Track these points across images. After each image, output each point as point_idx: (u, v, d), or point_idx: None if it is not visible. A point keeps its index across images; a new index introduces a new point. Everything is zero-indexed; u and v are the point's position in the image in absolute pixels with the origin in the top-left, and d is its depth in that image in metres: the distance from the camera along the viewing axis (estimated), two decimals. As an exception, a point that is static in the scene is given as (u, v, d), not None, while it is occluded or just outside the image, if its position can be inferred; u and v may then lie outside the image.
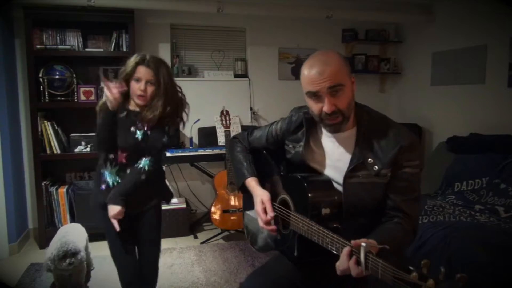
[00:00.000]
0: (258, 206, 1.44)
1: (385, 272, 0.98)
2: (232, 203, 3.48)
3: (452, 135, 3.58)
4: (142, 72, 1.80)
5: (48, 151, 3.39)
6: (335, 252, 1.16)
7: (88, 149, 3.45)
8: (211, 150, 3.72)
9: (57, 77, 3.41)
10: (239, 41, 4.27)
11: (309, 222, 1.26)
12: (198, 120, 3.98)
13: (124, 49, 3.55)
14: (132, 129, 1.86)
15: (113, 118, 1.78)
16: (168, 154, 3.54)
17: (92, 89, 3.47)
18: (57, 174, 3.65)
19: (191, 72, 4.07)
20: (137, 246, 2.01)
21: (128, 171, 1.87)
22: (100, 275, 2.84)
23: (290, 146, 1.51)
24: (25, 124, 3.54)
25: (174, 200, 3.75)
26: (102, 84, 3.63)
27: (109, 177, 1.88)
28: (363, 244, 1.03)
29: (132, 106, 1.90)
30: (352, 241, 1.08)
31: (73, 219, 3.41)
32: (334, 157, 1.40)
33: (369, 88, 4.54)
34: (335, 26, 4.35)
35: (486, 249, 2.20)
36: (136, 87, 1.80)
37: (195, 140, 4.01)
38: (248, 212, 1.73)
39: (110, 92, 1.70)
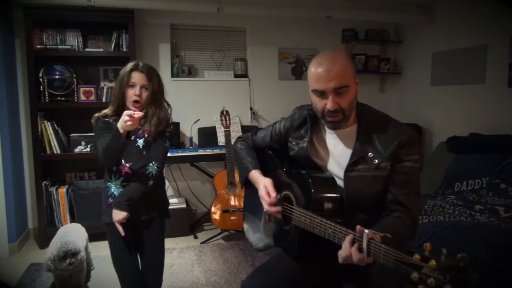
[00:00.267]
0: (262, 191, 1.47)
1: (387, 256, 1.01)
2: (232, 203, 3.48)
3: (452, 135, 3.58)
4: (137, 77, 1.84)
5: (48, 151, 3.39)
6: (337, 242, 1.18)
7: (88, 149, 3.45)
8: (211, 150, 3.72)
9: (57, 77, 3.41)
10: (239, 41, 4.27)
11: (311, 215, 1.29)
12: (198, 120, 3.98)
13: (124, 49, 3.55)
14: (133, 138, 1.87)
15: (125, 141, 1.77)
16: (168, 154, 3.54)
17: (92, 89, 3.47)
18: (57, 174, 3.65)
19: (191, 72, 4.07)
20: (140, 257, 2.01)
21: (134, 179, 1.89)
22: (100, 275, 2.84)
23: (293, 143, 1.54)
24: (25, 124, 3.54)
25: (174, 200, 3.76)
26: (102, 84, 3.64)
27: (114, 190, 1.89)
28: (366, 231, 1.06)
29: None
30: (357, 227, 1.11)
31: (73, 219, 3.41)
32: (336, 152, 1.43)
33: (369, 88, 4.54)
34: (335, 26, 4.35)
35: (486, 249, 2.20)
36: (131, 93, 1.83)
37: (195, 140, 4.01)
38: (247, 212, 1.74)
39: (133, 120, 1.69)
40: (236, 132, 3.93)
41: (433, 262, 0.91)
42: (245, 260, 3.11)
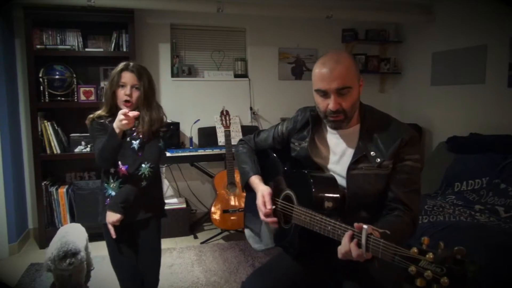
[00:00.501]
0: (259, 200, 1.50)
1: (385, 251, 1.02)
2: (232, 203, 3.48)
3: (452, 135, 3.58)
4: (127, 77, 1.84)
5: (48, 151, 3.39)
6: (336, 239, 1.20)
7: (88, 149, 3.45)
8: (211, 150, 3.72)
9: (57, 77, 3.41)
10: (239, 41, 4.27)
11: (311, 212, 1.30)
12: (198, 120, 3.98)
13: (124, 49, 3.55)
14: (128, 139, 1.88)
15: (121, 141, 1.77)
16: (168, 154, 3.55)
17: (92, 89, 3.47)
18: (57, 174, 3.65)
19: (191, 72, 4.07)
20: (138, 256, 2.00)
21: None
22: (100, 275, 2.84)
23: (295, 144, 1.56)
24: (25, 124, 3.54)
25: (174, 200, 3.76)
26: (102, 84, 3.64)
27: (112, 191, 1.89)
28: (365, 226, 1.08)
29: None
30: (355, 224, 1.13)
31: (73, 219, 3.41)
32: (338, 152, 1.44)
33: (369, 88, 4.54)
34: (335, 26, 4.35)
35: (486, 249, 2.20)
36: (122, 93, 1.83)
37: (195, 140, 4.01)
38: (248, 212, 1.75)
39: (128, 119, 1.69)
40: (236, 132, 3.93)
41: (430, 255, 0.92)
42: (245, 260, 3.11)
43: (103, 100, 1.93)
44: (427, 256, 0.92)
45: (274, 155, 1.65)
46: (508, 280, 2.10)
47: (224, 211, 3.45)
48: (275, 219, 1.47)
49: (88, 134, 3.40)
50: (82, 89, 3.45)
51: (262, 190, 1.51)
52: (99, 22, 3.49)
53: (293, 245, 1.44)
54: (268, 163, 1.66)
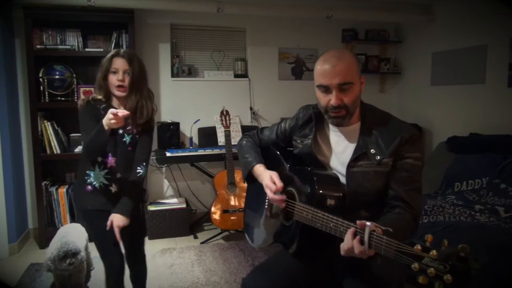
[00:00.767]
0: (267, 180, 1.49)
1: (388, 247, 1.02)
2: (232, 203, 3.48)
3: (452, 135, 3.58)
4: (118, 63, 1.83)
5: (48, 151, 3.39)
6: (338, 235, 1.20)
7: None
8: (211, 150, 3.72)
9: (57, 77, 3.41)
10: (239, 41, 4.27)
11: (314, 209, 1.31)
12: (198, 120, 3.98)
13: (124, 49, 3.55)
14: (121, 131, 1.87)
15: (109, 138, 1.75)
16: (168, 154, 3.55)
17: (92, 89, 3.45)
18: (57, 174, 3.65)
19: (191, 72, 4.07)
20: (126, 248, 2.01)
21: (118, 175, 1.89)
22: (100, 275, 2.81)
23: (298, 141, 1.57)
24: (25, 124, 3.54)
25: (174, 200, 3.76)
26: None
27: (95, 179, 1.87)
28: (368, 223, 1.09)
29: (116, 104, 1.89)
30: (358, 222, 1.13)
31: (73, 219, 3.41)
32: (339, 149, 1.45)
33: (369, 88, 4.54)
34: (335, 26, 4.35)
35: (486, 249, 2.20)
36: (114, 79, 1.82)
37: (195, 140, 4.01)
38: (248, 208, 1.75)
39: (117, 118, 1.64)
40: (236, 132, 3.93)
41: (434, 252, 0.92)
42: (245, 260, 3.11)
43: (95, 87, 1.89)
44: (430, 253, 0.92)
45: (277, 152, 1.66)
46: (508, 280, 2.10)
47: (224, 211, 3.45)
48: (283, 196, 1.46)
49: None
50: (82, 89, 3.45)
51: (270, 173, 1.51)
52: (99, 22, 3.49)
53: (294, 242, 1.44)
54: (271, 160, 1.67)
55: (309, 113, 1.54)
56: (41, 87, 3.36)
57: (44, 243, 3.29)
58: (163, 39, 3.93)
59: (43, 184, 3.37)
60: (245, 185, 1.78)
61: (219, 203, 3.46)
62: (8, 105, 3.25)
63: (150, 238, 3.58)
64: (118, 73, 1.82)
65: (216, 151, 3.68)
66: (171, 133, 3.71)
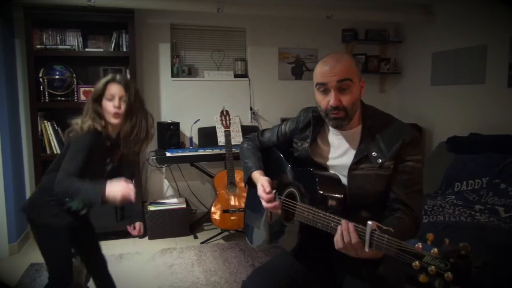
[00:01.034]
0: (259, 190, 1.52)
1: (389, 246, 1.03)
2: (232, 203, 3.48)
3: (452, 135, 3.58)
4: (114, 89, 1.74)
5: (48, 151, 3.39)
6: None
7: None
8: (211, 150, 3.71)
9: (57, 77, 3.41)
10: (239, 41, 4.27)
11: (315, 210, 1.31)
12: (198, 120, 3.98)
13: (124, 49, 3.56)
14: (108, 160, 1.83)
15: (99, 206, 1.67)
16: (168, 154, 3.55)
17: (92, 89, 3.45)
18: (57, 174, 3.64)
19: (191, 72, 4.07)
20: (86, 257, 2.03)
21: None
22: (100, 275, 2.83)
23: (298, 144, 1.57)
24: (25, 124, 3.54)
25: (174, 200, 3.76)
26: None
27: (75, 204, 1.79)
28: (369, 222, 1.09)
29: (111, 132, 1.79)
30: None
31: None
32: (340, 152, 1.45)
33: (369, 88, 4.49)
34: (335, 26, 4.35)
35: (486, 249, 2.20)
36: (110, 105, 1.73)
37: (195, 140, 4.01)
38: (248, 210, 1.76)
39: (123, 199, 1.55)
40: (236, 132, 3.93)
41: (435, 250, 0.92)
42: (245, 260, 3.11)
43: (86, 115, 1.75)
44: (432, 251, 0.92)
45: (279, 152, 1.67)
46: (508, 280, 2.10)
47: (224, 211, 3.45)
48: (277, 202, 1.48)
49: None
50: (82, 89, 3.45)
51: (261, 180, 1.54)
52: (99, 22, 3.49)
53: (294, 242, 1.44)
54: (273, 160, 1.68)
55: (309, 116, 1.54)
56: (41, 87, 3.36)
57: (44, 243, 3.29)
58: (163, 39, 3.93)
59: (43, 184, 3.37)
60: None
61: (219, 203, 3.46)
62: (8, 105, 3.25)
63: (150, 238, 3.58)
64: (115, 99, 1.72)
65: (216, 151, 3.68)
66: (171, 133, 3.71)
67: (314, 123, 1.51)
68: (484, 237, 2.34)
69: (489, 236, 2.38)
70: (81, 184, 1.57)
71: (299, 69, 4.38)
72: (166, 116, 3.96)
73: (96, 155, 1.70)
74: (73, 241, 1.87)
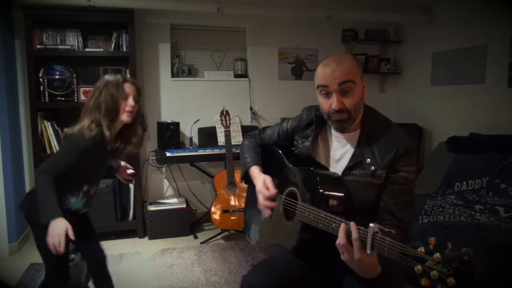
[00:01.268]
0: (260, 185, 1.50)
1: (392, 249, 1.02)
2: (232, 203, 3.48)
3: (452, 135, 3.58)
4: (128, 87, 1.79)
5: (48, 151, 3.39)
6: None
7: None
8: (211, 150, 3.72)
9: (57, 77, 3.40)
10: (239, 41, 4.27)
11: (316, 209, 1.31)
12: (198, 120, 3.98)
13: (124, 49, 3.55)
14: (108, 162, 1.90)
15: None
16: (168, 154, 3.55)
17: (92, 89, 3.46)
18: (57, 174, 3.64)
19: (191, 72, 4.07)
20: (86, 257, 2.04)
21: (91, 201, 1.91)
22: (100, 275, 2.83)
23: (299, 141, 1.57)
24: (25, 124, 3.54)
25: (174, 200, 3.76)
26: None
27: (74, 205, 1.82)
28: (371, 224, 1.08)
29: (108, 135, 1.80)
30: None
31: (73, 219, 3.40)
32: (338, 155, 1.45)
33: (369, 88, 4.44)
34: (335, 26, 4.35)
35: (486, 249, 2.20)
36: (126, 104, 1.77)
37: (195, 140, 4.01)
38: (248, 207, 1.75)
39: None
40: (236, 132, 3.93)
41: (437, 255, 0.91)
42: (245, 260, 3.11)
43: (100, 112, 1.76)
44: (434, 256, 0.92)
45: (280, 151, 1.67)
46: (508, 280, 2.10)
47: (224, 211, 3.45)
48: (274, 204, 1.48)
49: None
50: (82, 89, 3.45)
51: (264, 177, 1.52)
52: (99, 22, 3.49)
53: (294, 241, 1.44)
54: (273, 159, 1.67)
55: (312, 115, 1.54)
56: (41, 87, 3.36)
57: (44, 243, 3.29)
58: (163, 39, 3.93)
59: (43, 184, 3.36)
60: (245, 185, 1.79)
61: (219, 203, 3.46)
62: (8, 105, 3.25)
63: (150, 238, 3.58)
64: (129, 98, 1.78)
65: (216, 151, 3.68)
66: (171, 133, 3.71)
67: (317, 122, 1.51)
68: (484, 237, 2.34)
69: (489, 236, 2.38)
70: (45, 198, 1.60)
71: (299, 69, 4.38)
72: (166, 116, 3.96)
73: (96, 161, 1.75)
74: (73, 241, 1.86)
